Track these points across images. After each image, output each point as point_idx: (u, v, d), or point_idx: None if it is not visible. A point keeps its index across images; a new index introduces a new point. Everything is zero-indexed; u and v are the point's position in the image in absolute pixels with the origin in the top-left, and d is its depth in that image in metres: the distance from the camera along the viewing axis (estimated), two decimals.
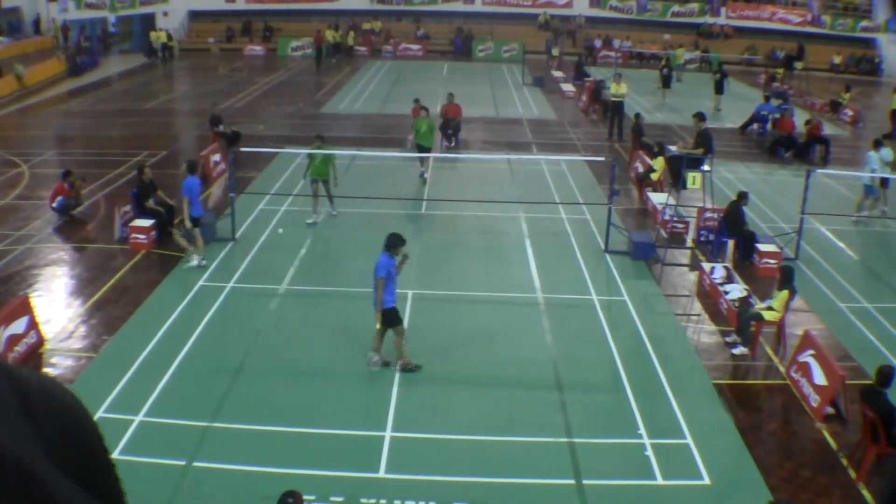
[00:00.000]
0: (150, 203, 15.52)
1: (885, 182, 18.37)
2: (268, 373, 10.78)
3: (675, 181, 15.34)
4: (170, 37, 42.85)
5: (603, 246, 15.43)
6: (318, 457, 8.80)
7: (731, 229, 15.36)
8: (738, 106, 30.63)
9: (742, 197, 15.58)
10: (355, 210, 17.05)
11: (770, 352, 11.81)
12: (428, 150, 19.83)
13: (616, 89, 26.09)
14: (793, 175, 21.48)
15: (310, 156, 16.53)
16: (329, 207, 16.76)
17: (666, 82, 33.21)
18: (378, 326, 10.58)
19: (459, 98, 23.96)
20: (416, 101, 23.57)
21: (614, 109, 25.83)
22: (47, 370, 10.61)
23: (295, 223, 16.41)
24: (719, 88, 31.47)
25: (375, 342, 10.72)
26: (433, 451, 9.12)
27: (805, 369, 10.39)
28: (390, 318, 10.50)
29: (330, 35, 44.29)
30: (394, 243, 10.46)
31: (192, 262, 14.01)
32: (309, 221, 16.37)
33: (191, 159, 15.51)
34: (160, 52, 42.10)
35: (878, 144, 19.29)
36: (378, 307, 10.41)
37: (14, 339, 10.66)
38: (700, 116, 16.39)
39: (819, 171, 19.62)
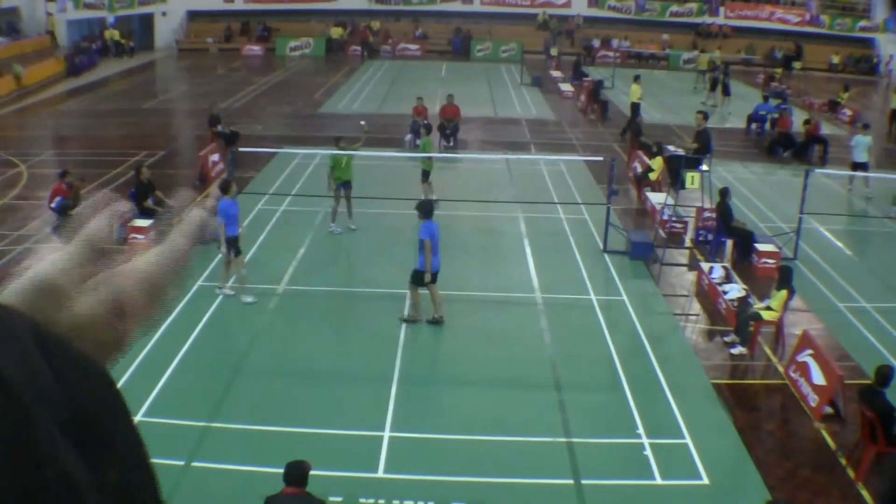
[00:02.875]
0: (149, 203, 15.53)
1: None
2: (266, 373, 10.78)
3: (674, 181, 15.34)
4: (123, 35, 42.79)
5: (601, 246, 15.43)
6: (316, 457, 8.74)
7: (723, 227, 15.34)
8: (737, 106, 30.61)
9: (724, 194, 15.48)
10: (353, 210, 17.01)
11: (769, 351, 11.82)
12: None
13: (639, 91, 26.11)
14: (791, 175, 21.48)
15: (332, 161, 15.94)
16: (348, 220, 16.06)
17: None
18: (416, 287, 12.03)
19: (458, 98, 23.96)
20: (419, 99, 23.55)
21: (634, 111, 25.66)
22: None
23: (294, 223, 16.40)
24: (725, 90, 30.90)
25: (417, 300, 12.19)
26: (432, 450, 9.12)
27: (804, 369, 10.39)
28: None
29: (336, 32, 45.26)
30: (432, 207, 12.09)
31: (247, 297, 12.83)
32: (331, 230, 15.94)
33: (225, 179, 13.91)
34: (113, 51, 41.96)
35: (866, 128, 20.37)
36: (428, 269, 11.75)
37: None
38: (703, 115, 16.38)
39: (818, 170, 19.64)
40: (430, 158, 18.08)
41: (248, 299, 12.73)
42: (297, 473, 6.82)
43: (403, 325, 12.11)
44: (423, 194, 17.75)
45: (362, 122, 17.24)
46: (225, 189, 12.74)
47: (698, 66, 38.55)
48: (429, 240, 11.61)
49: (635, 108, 25.82)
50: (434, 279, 11.87)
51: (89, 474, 0.73)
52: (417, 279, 11.94)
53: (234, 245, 12.52)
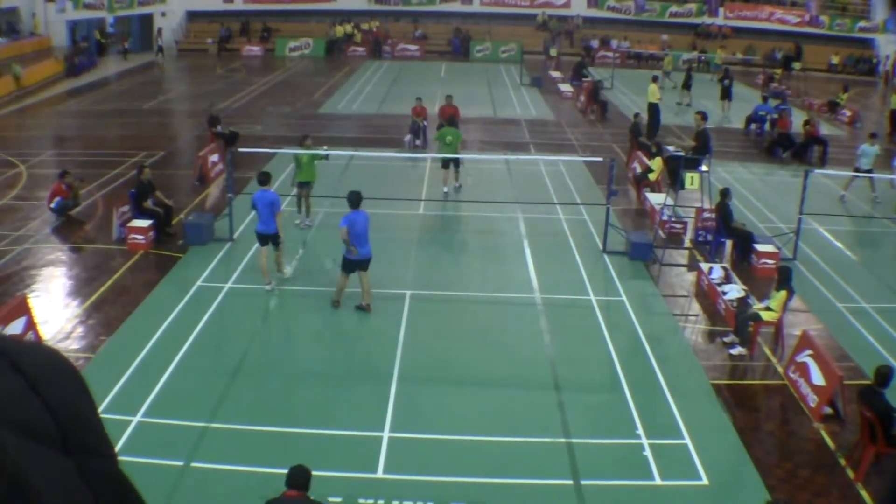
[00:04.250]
0: (148, 203, 15.52)
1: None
2: (266, 373, 10.78)
3: (673, 181, 15.34)
4: (104, 34, 42.91)
5: (601, 246, 15.43)
6: (316, 457, 8.77)
7: (722, 228, 15.33)
8: (737, 106, 30.60)
9: (725, 194, 15.49)
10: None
11: (768, 352, 11.82)
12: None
13: (658, 92, 26.04)
14: (791, 175, 21.50)
15: (296, 160, 16.26)
16: (304, 217, 16.41)
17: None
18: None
19: (457, 98, 23.94)
20: (419, 99, 23.60)
21: (653, 112, 25.43)
22: None
23: (293, 223, 16.38)
24: (727, 94, 30.17)
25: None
26: (431, 451, 9.12)
27: (803, 369, 10.40)
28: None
29: (340, 31, 46.08)
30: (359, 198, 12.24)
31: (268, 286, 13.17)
32: (297, 222, 16.33)
33: (263, 171, 13.98)
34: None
35: (873, 137, 20.14)
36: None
37: None
38: (702, 115, 16.33)
39: (817, 171, 19.65)
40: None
41: (268, 287, 13.18)
42: (300, 478, 6.86)
43: (403, 325, 12.12)
44: (446, 183, 18.49)
45: (325, 147, 17.72)
46: (266, 181, 13.30)
47: (664, 66, 37.83)
48: (344, 227, 11.96)
49: (653, 108, 25.57)
50: (365, 267, 12.34)
51: (65, 466, 0.80)
52: (344, 266, 12.42)
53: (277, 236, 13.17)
